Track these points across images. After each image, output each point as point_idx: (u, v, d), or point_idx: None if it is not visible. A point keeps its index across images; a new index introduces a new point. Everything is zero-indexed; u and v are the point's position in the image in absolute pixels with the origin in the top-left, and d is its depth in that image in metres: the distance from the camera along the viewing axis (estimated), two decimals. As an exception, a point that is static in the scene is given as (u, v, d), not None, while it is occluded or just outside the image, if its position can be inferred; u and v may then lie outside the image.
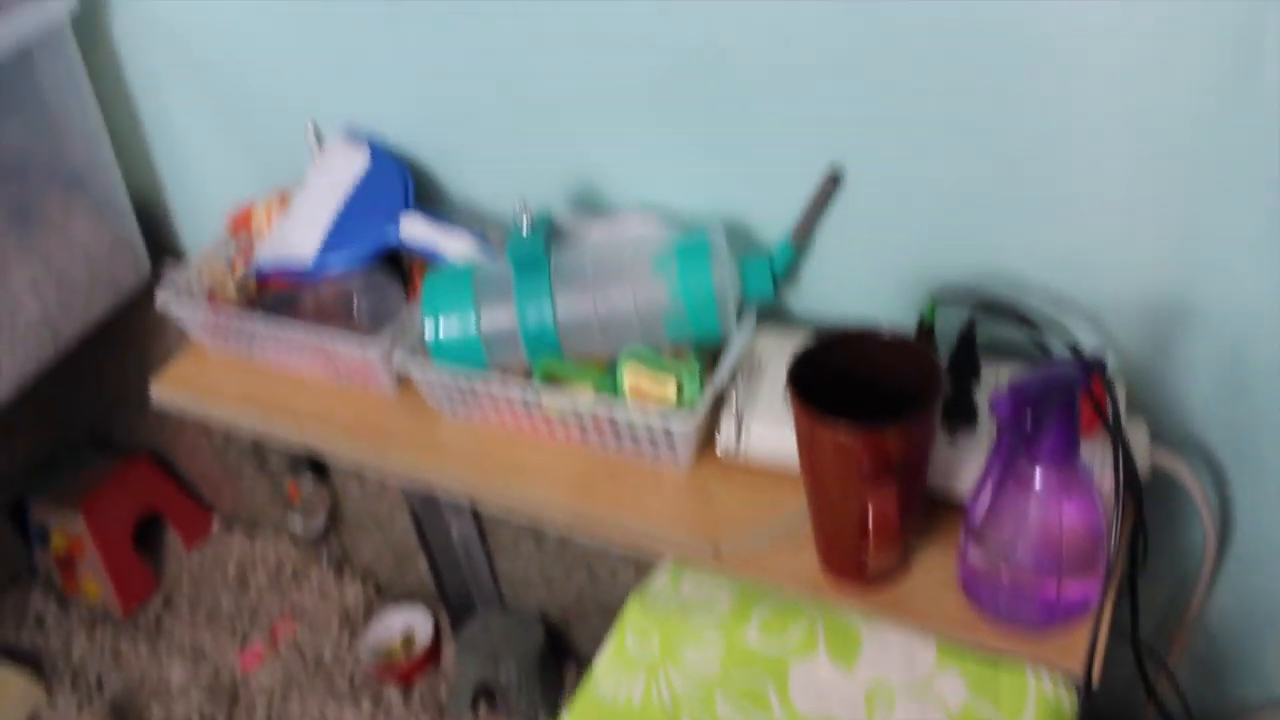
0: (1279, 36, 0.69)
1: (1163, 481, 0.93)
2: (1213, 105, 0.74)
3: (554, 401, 0.92)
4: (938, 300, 0.85)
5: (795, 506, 0.88)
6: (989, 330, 0.83)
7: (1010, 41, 0.77)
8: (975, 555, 0.77)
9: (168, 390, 1.13)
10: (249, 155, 1.23)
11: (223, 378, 1.13)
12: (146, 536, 1.83)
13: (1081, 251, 0.85)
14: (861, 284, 0.96)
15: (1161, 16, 0.71)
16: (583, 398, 0.90)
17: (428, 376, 0.97)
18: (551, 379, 0.94)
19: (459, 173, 1.11)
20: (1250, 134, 0.74)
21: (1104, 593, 0.78)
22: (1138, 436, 0.85)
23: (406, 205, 1.06)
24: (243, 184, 1.22)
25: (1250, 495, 0.94)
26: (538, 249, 0.91)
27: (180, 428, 1.69)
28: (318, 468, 1.55)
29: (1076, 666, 0.76)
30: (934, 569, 0.83)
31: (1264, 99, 0.72)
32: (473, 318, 0.92)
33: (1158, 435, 0.91)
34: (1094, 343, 0.89)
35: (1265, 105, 0.72)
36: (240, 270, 1.13)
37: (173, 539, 1.84)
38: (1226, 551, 0.99)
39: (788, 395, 0.74)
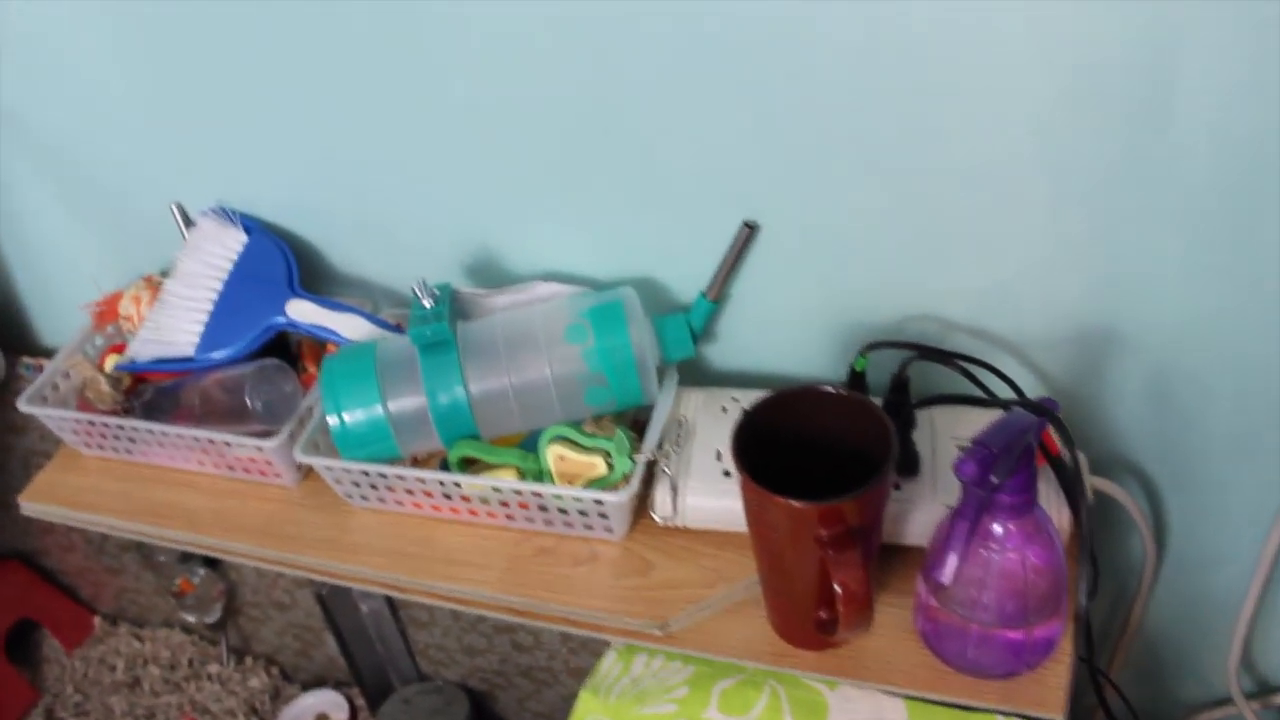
0: (1191, 72, 0.69)
1: (1099, 500, 0.93)
2: (1127, 139, 0.73)
3: (475, 488, 0.87)
4: (869, 349, 0.82)
5: (741, 571, 0.85)
6: (920, 370, 0.81)
7: (922, 85, 0.75)
8: (938, 610, 0.75)
9: (39, 502, 1.05)
10: (109, 243, 1.15)
11: (101, 483, 1.05)
12: (20, 644, 1.70)
13: (1006, 287, 0.84)
14: (785, 335, 0.93)
15: (1076, 54, 0.70)
16: (507, 484, 0.85)
17: (334, 469, 0.90)
18: (469, 462, 0.89)
19: (344, 247, 1.05)
20: (1164, 164, 0.74)
21: (1069, 630, 0.76)
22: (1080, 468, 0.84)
23: (291, 286, 0.99)
24: (105, 274, 1.14)
25: (1183, 506, 0.95)
26: (442, 326, 0.86)
27: (50, 525, 1.59)
28: (210, 557, 1.46)
29: (1053, 711, 0.75)
30: (889, 620, 0.81)
31: (1175, 130, 0.72)
32: (379, 404, 0.87)
33: (1091, 456, 0.91)
34: (1024, 376, 0.88)
35: (1177, 136, 0.72)
36: (111, 366, 1.05)
37: (50, 644, 1.72)
38: (1163, 562, 1.00)
39: (734, 469, 0.71)
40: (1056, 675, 0.77)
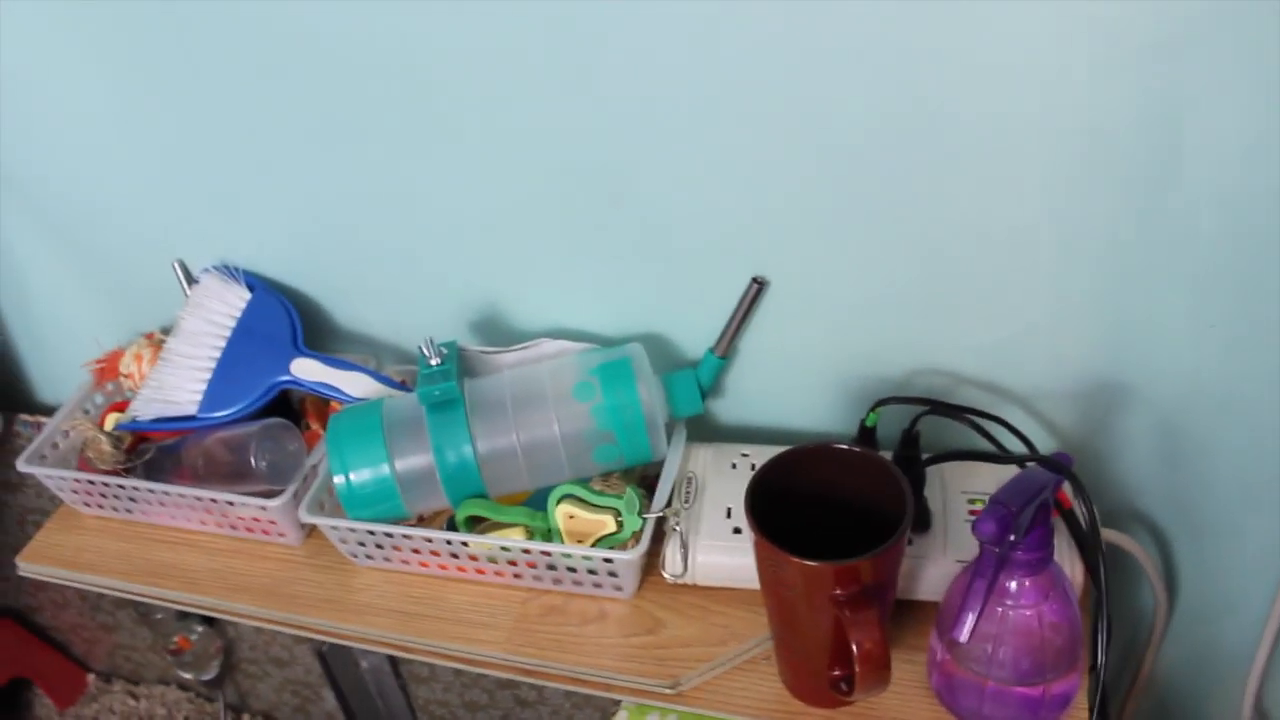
0: (1197, 137, 0.69)
1: (1109, 551, 0.92)
2: (1135, 201, 0.74)
3: (482, 547, 0.86)
4: (880, 404, 0.82)
5: (752, 629, 0.84)
6: (931, 425, 0.81)
7: (933, 148, 0.75)
8: (953, 667, 0.74)
9: (37, 563, 1.04)
10: (111, 300, 1.14)
11: (101, 543, 1.04)
12: (12, 702, 1.68)
13: (1015, 342, 0.84)
14: (794, 390, 0.93)
15: (1087, 120, 0.71)
16: (516, 543, 0.85)
17: (340, 529, 0.90)
18: (477, 520, 0.88)
19: (349, 304, 1.05)
20: (1170, 225, 0.74)
21: (1084, 685, 0.76)
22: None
23: (295, 343, 0.99)
24: (106, 332, 1.13)
25: (1194, 557, 0.95)
26: (450, 384, 0.86)
27: (44, 582, 1.57)
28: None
29: (1069, 768, 0.74)
30: (902, 676, 0.80)
31: (1182, 193, 0.72)
32: (386, 463, 0.86)
33: (1102, 508, 0.91)
34: (1034, 429, 0.88)
35: (1183, 198, 0.72)
36: (112, 424, 1.04)
37: (43, 702, 1.70)
38: (1174, 612, 0.99)
39: (747, 527, 0.70)
40: (1071, 730, 0.76)
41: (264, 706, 1.62)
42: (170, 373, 1.01)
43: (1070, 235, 0.77)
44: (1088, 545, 0.76)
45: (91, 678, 1.74)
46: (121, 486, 1.00)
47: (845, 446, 0.75)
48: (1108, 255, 0.77)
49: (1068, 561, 0.80)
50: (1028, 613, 0.71)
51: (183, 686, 1.67)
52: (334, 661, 1.38)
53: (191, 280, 1.06)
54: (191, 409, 0.99)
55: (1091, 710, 0.75)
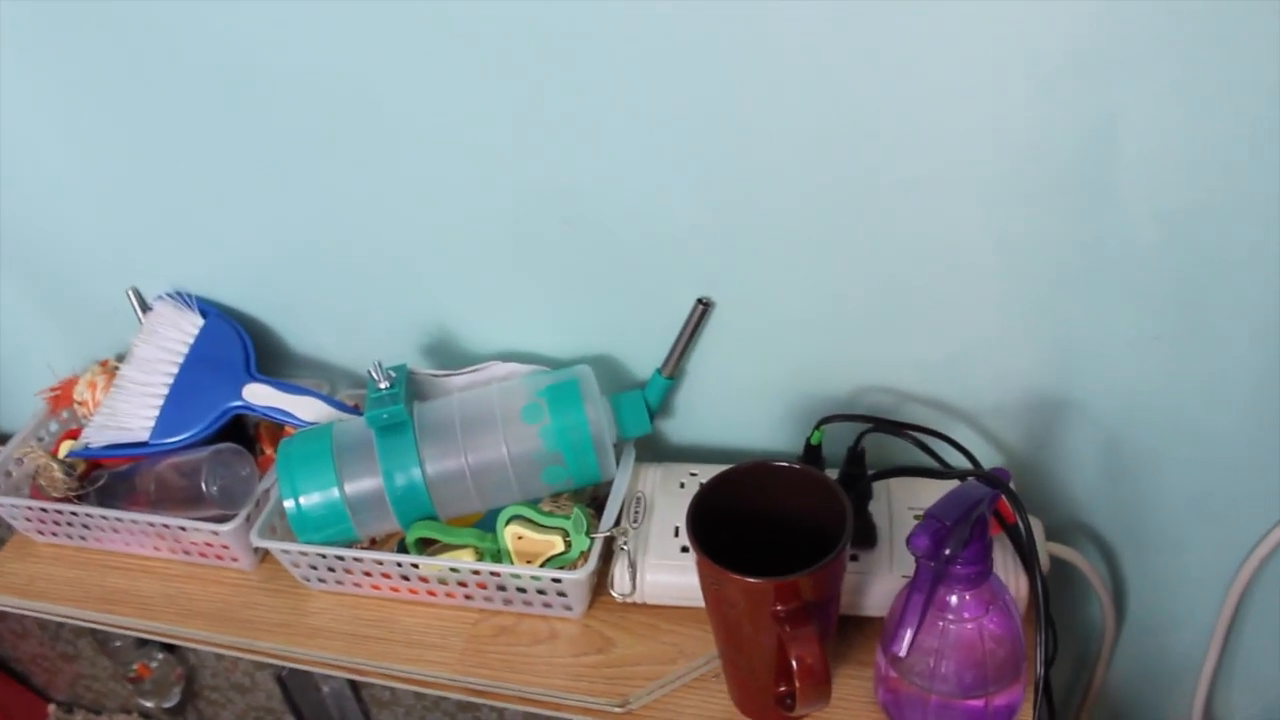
0: (1131, 151, 0.70)
1: (1057, 566, 0.93)
2: (1073, 216, 0.75)
3: (433, 569, 0.86)
4: (824, 423, 0.83)
5: (701, 647, 0.85)
6: (876, 442, 0.82)
7: (874, 168, 0.76)
8: (898, 681, 0.75)
9: (-10, 593, 1.03)
10: (64, 328, 1.14)
11: (54, 570, 1.03)
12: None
13: (959, 359, 0.85)
14: (742, 409, 0.93)
15: (1023, 137, 0.72)
16: (465, 564, 0.85)
17: (291, 552, 0.90)
18: (428, 542, 0.88)
19: (302, 329, 1.05)
20: (1109, 239, 0.75)
21: (1028, 697, 0.77)
22: (1035, 534, 0.85)
23: (247, 368, 0.99)
24: (60, 359, 1.13)
25: (1140, 569, 0.96)
26: (399, 407, 0.86)
27: (1, 613, 1.55)
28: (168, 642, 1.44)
29: (1013, 781, 0.75)
30: (850, 692, 0.81)
31: (1119, 207, 0.73)
32: (335, 487, 0.86)
33: (1049, 523, 0.92)
34: (980, 445, 0.89)
35: (1121, 212, 0.74)
36: (65, 451, 1.04)
37: (4, 733, 1.69)
38: (1123, 625, 1.00)
39: (691, 548, 0.71)
40: (1016, 743, 0.77)
41: (227, 734, 1.61)
42: (123, 400, 1.01)
43: (1012, 251, 0.78)
44: (1027, 558, 0.77)
45: (52, 708, 1.72)
46: (74, 513, 0.99)
47: (785, 464, 0.75)
48: (1049, 271, 0.78)
49: (1011, 576, 0.81)
50: (969, 626, 0.72)
51: (145, 715, 1.65)
52: (294, 687, 1.37)
53: (145, 307, 1.06)
54: (144, 435, 0.99)
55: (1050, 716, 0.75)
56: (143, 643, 1.43)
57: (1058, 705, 1.07)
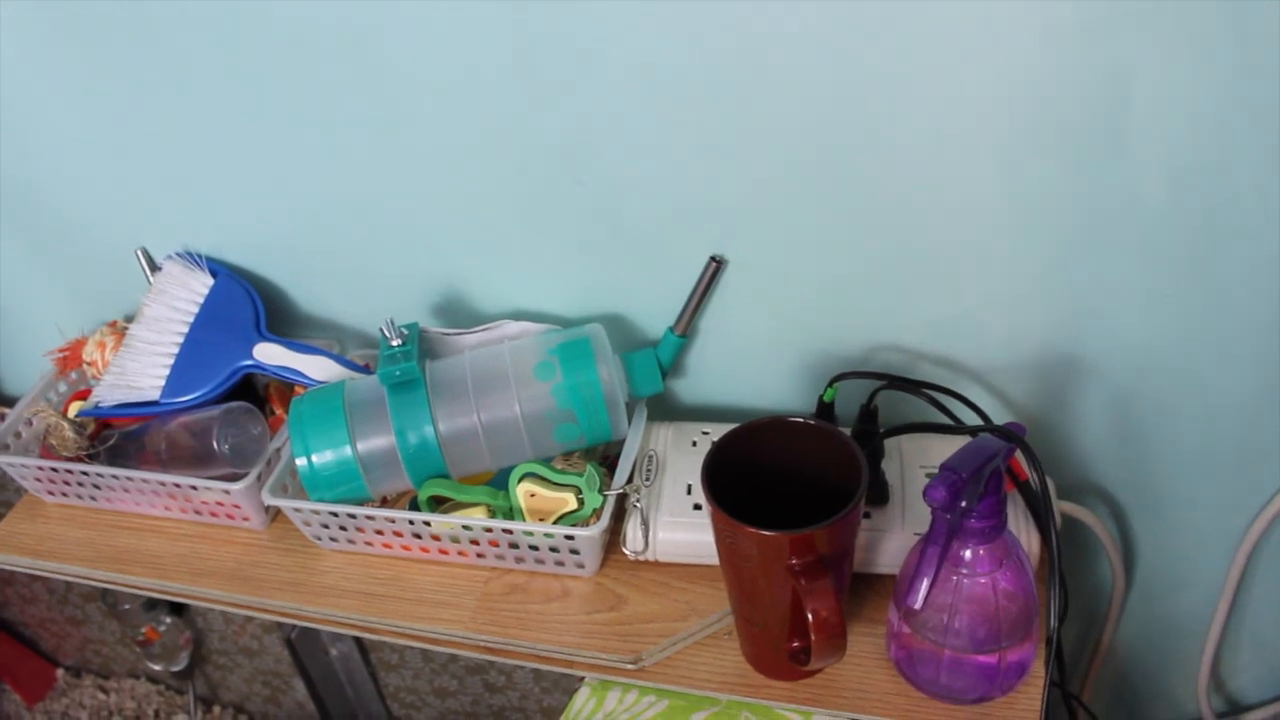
0: (1143, 107, 0.70)
1: (1068, 525, 0.94)
2: (1085, 172, 0.75)
3: (445, 527, 0.86)
4: (837, 380, 0.83)
5: (713, 604, 0.85)
6: (889, 400, 0.82)
7: (887, 124, 0.75)
8: (911, 637, 0.75)
9: (1, 552, 1.03)
10: (73, 289, 1.14)
11: (65, 531, 1.03)
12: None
13: (970, 317, 0.85)
14: (754, 368, 0.93)
15: (1036, 91, 0.71)
16: (477, 521, 0.85)
17: (303, 511, 0.90)
18: (439, 501, 0.88)
19: (312, 289, 1.05)
20: (1121, 195, 0.75)
21: (1040, 654, 0.77)
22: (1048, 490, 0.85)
23: (257, 328, 0.99)
24: (69, 320, 1.12)
25: (1150, 529, 0.96)
26: (411, 365, 0.86)
27: (10, 575, 1.56)
28: (176, 604, 1.44)
29: (1027, 734, 0.75)
30: (862, 649, 0.81)
31: (1131, 163, 0.73)
32: (348, 444, 0.86)
33: (1059, 481, 0.92)
34: (991, 403, 0.89)
35: (1133, 168, 0.73)
36: (75, 411, 1.04)
37: (11, 698, 1.69)
38: (1131, 584, 1.01)
39: (705, 501, 0.71)
40: (1029, 699, 0.77)
41: (234, 697, 1.61)
42: (133, 359, 1.01)
43: (1023, 209, 0.78)
44: (1041, 513, 0.77)
45: (60, 672, 1.73)
46: (85, 473, 0.99)
47: (800, 419, 0.76)
48: (1061, 229, 0.78)
49: (1024, 533, 0.81)
50: (982, 581, 0.72)
51: (152, 679, 1.66)
52: (303, 650, 1.38)
53: (155, 267, 1.06)
54: (154, 395, 0.99)
55: (1046, 680, 0.76)
56: (151, 606, 1.44)
57: (1067, 664, 1.07)
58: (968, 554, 0.71)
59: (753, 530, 0.68)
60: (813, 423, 0.75)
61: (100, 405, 1.01)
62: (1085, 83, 0.70)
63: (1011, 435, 0.70)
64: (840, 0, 0.70)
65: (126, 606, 1.43)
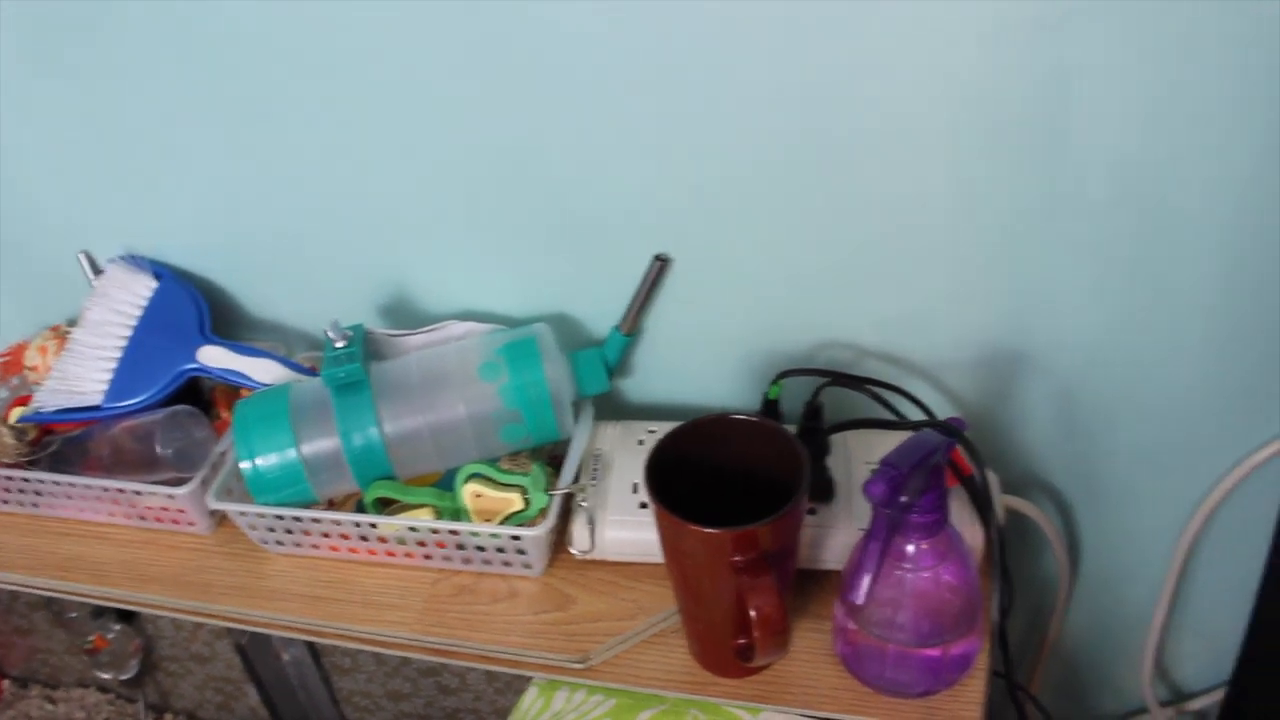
0: (1084, 103, 0.71)
1: (1013, 520, 0.94)
2: (1028, 169, 0.76)
3: (391, 529, 0.86)
4: (781, 377, 0.83)
5: (660, 602, 0.85)
6: (834, 396, 0.82)
7: (831, 122, 0.76)
8: (856, 632, 0.75)
9: (-62, 564, 1.02)
10: (14, 293, 1.13)
11: (5, 539, 1.02)
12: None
13: (916, 313, 0.86)
14: (700, 366, 0.94)
15: (978, 90, 0.72)
16: (423, 523, 0.85)
17: (249, 514, 0.89)
18: (385, 503, 0.88)
19: (257, 291, 1.04)
20: (1064, 192, 0.76)
21: (985, 647, 0.77)
22: (991, 487, 0.86)
23: (202, 331, 0.98)
24: (10, 325, 1.11)
25: (1095, 522, 0.97)
26: (355, 366, 0.86)
27: (-44, 586, 1.54)
28: (124, 611, 1.43)
29: (971, 725, 0.76)
30: (809, 645, 0.82)
31: (1073, 159, 0.74)
32: (293, 447, 0.86)
33: (1005, 477, 0.93)
34: (936, 399, 0.90)
35: (1074, 165, 0.75)
36: (16, 417, 1.03)
37: (-42, 711, 1.67)
38: (1077, 577, 1.02)
39: (649, 500, 0.71)
40: (973, 691, 0.77)
41: (186, 705, 1.59)
42: (75, 364, 1.00)
43: (967, 205, 0.79)
44: (983, 507, 0.78)
45: (6, 683, 1.70)
46: (26, 480, 0.98)
47: (742, 416, 0.76)
48: (1005, 224, 0.79)
49: (968, 528, 0.82)
50: (925, 575, 0.72)
51: (102, 688, 1.64)
52: (254, 655, 1.36)
53: (98, 271, 1.05)
54: (97, 399, 0.98)
55: (989, 672, 0.76)
56: (99, 614, 1.42)
57: (1014, 657, 1.08)
58: (911, 549, 0.71)
59: (695, 528, 0.69)
60: (754, 419, 0.76)
61: (42, 411, 1.00)
62: (1027, 81, 0.71)
63: (951, 430, 0.70)
64: (783, 2, 0.70)
65: (73, 615, 1.41)
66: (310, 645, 1.37)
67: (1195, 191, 0.74)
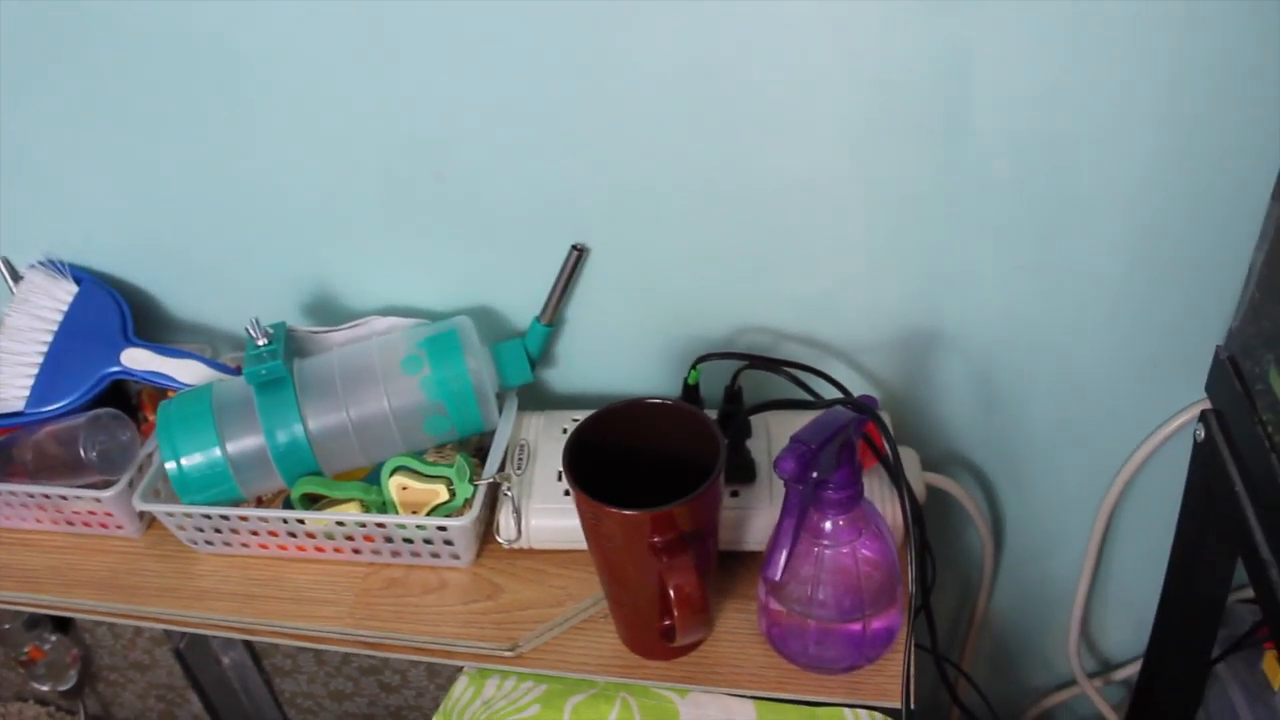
0: (984, 85, 0.73)
1: (936, 498, 0.96)
2: (931, 150, 0.77)
3: (319, 524, 0.86)
4: (699, 362, 0.84)
5: (588, 589, 0.86)
6: (754, 380, 0.83)
7: (734, 107, 0.77)
8: (778, 610, 0.77)
9: None
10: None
11: (-68, 549, 1.01)
12: None
13: (831, 296, 0.87)
14: (622, 354, 0.95)
15: (879, 72, 0.74)
16: (350, 517, 0.85)
17: (176, 515, 0.89)
18: (312, 499, 0.88)
19: (179, 292, 1.03)
20: (968, 172, 0.78)
21: (905, 621, 0.79)
22: (910, 464, 0.87)
23: (125, 334, 0.98)
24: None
25: (1016, 497, 0.99)
26: (277, 363, 0.86)
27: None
28: (60, 621, 1.41)
29: (894, 700, 0.77)
30: (735, 625, 0.83)
31: (975, 140, 0.76)
32: (217, 446, 0.86)
33: (927, 455, 0.94)
34: (855, 380, 0.91)
35: (977, 145, 0.77)
36: (-62, 427, 1.02)
37: (-107, 729, 1.64)
38: (1001, 552, 1.04)
39: (568, 485, 0.72)
40: (896, 665, 0.79)
41: (128, 714, 1.58)
42: (-5, 371, 0.99)
43: (875, 188, 0.80)
44: (897, 481, 0.79)
45: (-55, 699, 1.68)
46: (-50, 489, 0.97)
47: (657, 400, 0.77)
48: (912, 205, 0.81)
49: (889, 504, 0.83)
50: (844, 551, 0.73)
51: (41, 700, 1.62)
52: (194, 660, 1.36)
53: (17, 277, 1.04)
54: (19, 405, 0.97)
55: (908, 644, 0.78)
56: (33, 624, 1.40)
57: (944, 634, 1.10)
58: (828, 525, 0.73)
59: (613, 510, 0.69)
60: (669, 403, 0.77)
61: (-37, 418, 0.99)
62: (925, 60, 0.73)
63: (862, 406, 0.72)
64: (684, -13, 0.72)
65: (7, 626, 1.39)
66: (250, 648, 1.36)
67: (1097, 170, 0.76)
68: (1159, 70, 0.70)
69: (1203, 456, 0.78)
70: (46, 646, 1.42)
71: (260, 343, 0.87)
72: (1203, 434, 0.77)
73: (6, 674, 1.59)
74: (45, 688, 1.47)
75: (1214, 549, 0.80)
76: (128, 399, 1.03)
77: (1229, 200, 0.76)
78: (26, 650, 1.41)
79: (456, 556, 0.87)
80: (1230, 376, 0.73)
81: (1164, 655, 0.90)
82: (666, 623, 0.77)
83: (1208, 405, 0.78)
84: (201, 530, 0.90)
